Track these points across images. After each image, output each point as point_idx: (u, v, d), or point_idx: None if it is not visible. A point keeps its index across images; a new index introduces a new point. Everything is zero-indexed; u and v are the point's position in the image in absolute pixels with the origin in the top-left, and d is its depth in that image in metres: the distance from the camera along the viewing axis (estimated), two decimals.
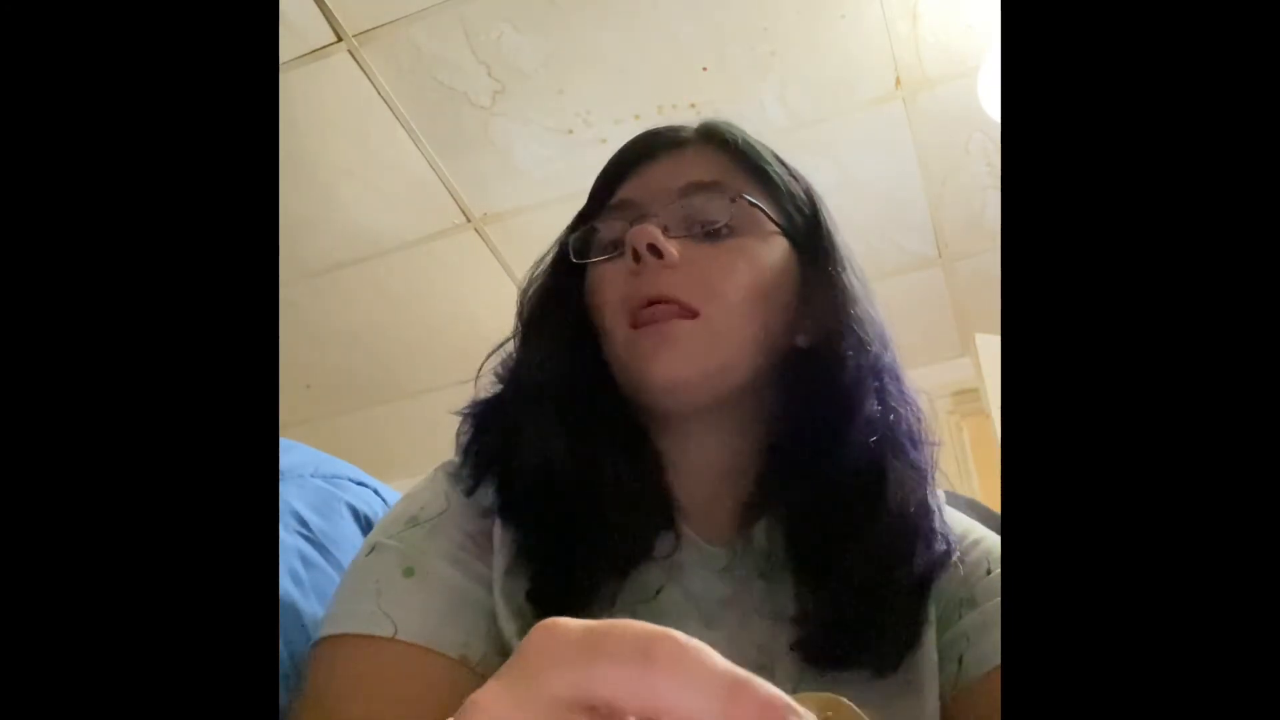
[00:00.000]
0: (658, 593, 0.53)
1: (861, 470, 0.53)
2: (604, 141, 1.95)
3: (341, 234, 2.15)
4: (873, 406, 0.55)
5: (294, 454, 0.72)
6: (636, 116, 1.89)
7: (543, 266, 0.63)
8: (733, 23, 1.75)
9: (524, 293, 0.63)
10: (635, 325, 0.54)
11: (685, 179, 0.58)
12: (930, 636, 0.53)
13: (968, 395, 2.54)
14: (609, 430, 0.56)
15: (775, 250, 0.58)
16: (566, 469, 0.54)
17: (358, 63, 1.80)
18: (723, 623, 0.52)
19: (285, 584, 0.60)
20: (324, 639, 0.51)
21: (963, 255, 2.32)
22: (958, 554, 0.55)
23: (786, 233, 0.58)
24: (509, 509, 0.55)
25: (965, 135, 2.01)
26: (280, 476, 0.67)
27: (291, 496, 0.65)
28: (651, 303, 0.54)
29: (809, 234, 0.60)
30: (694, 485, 0.58)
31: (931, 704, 0.51)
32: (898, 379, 0.58)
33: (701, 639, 0.52)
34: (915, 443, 0.56)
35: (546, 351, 0.58)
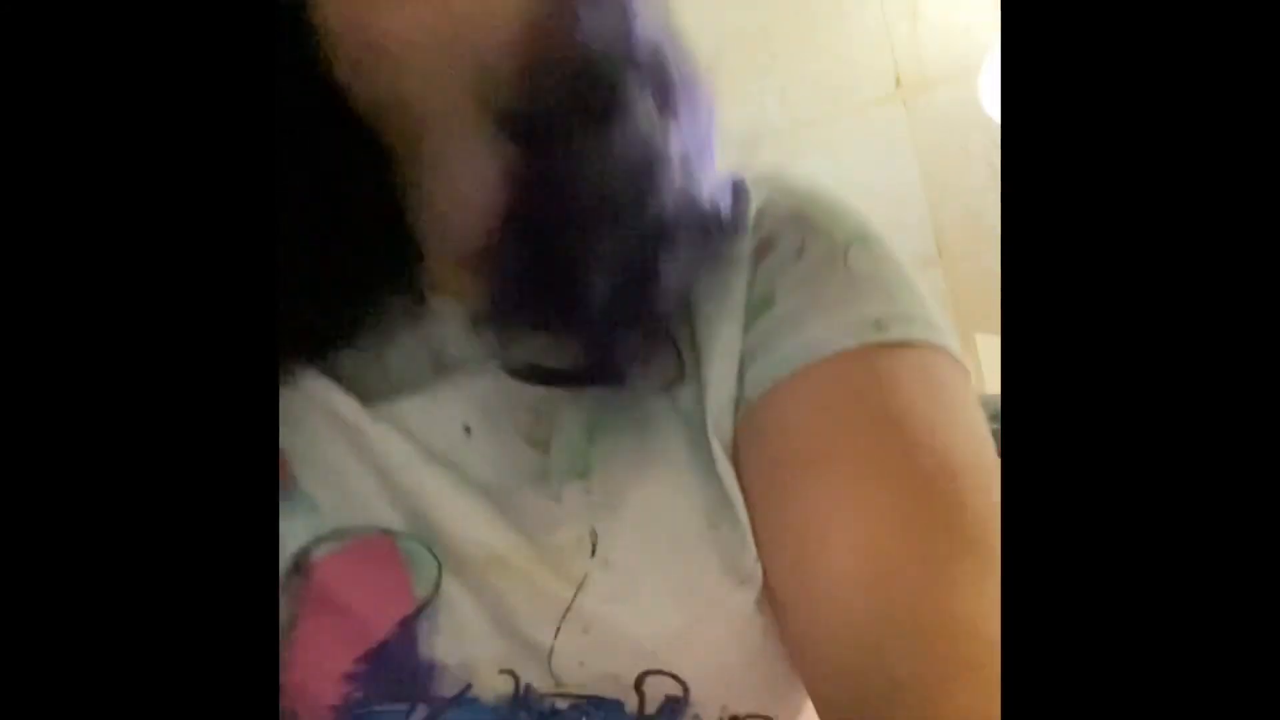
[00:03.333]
0: (399, 381, 0.43)
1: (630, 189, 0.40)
2: None
3: None
4: (649, 127, 0.40)
5: None
6: None
7: None
8: (733, 23, 1.75)
9: None
10: None
11: None
12: (716, 362, 0.40)
13: None
14: (335, 151, 0.42)
15: None
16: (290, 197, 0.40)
17: None
18: (476, 381, 0.42)
19: None
20: None
21: (963, 255, 2.32)
22: (747, 243, 0.42)
23: None
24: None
25: (965, 136, 2.01)
26: None
27: None
28: None
29: None
30: (443, 230, 0.45)
31: (701, 456, 0.39)
32: (691, 96, 0.43)
33: (431, 391, 0.41)
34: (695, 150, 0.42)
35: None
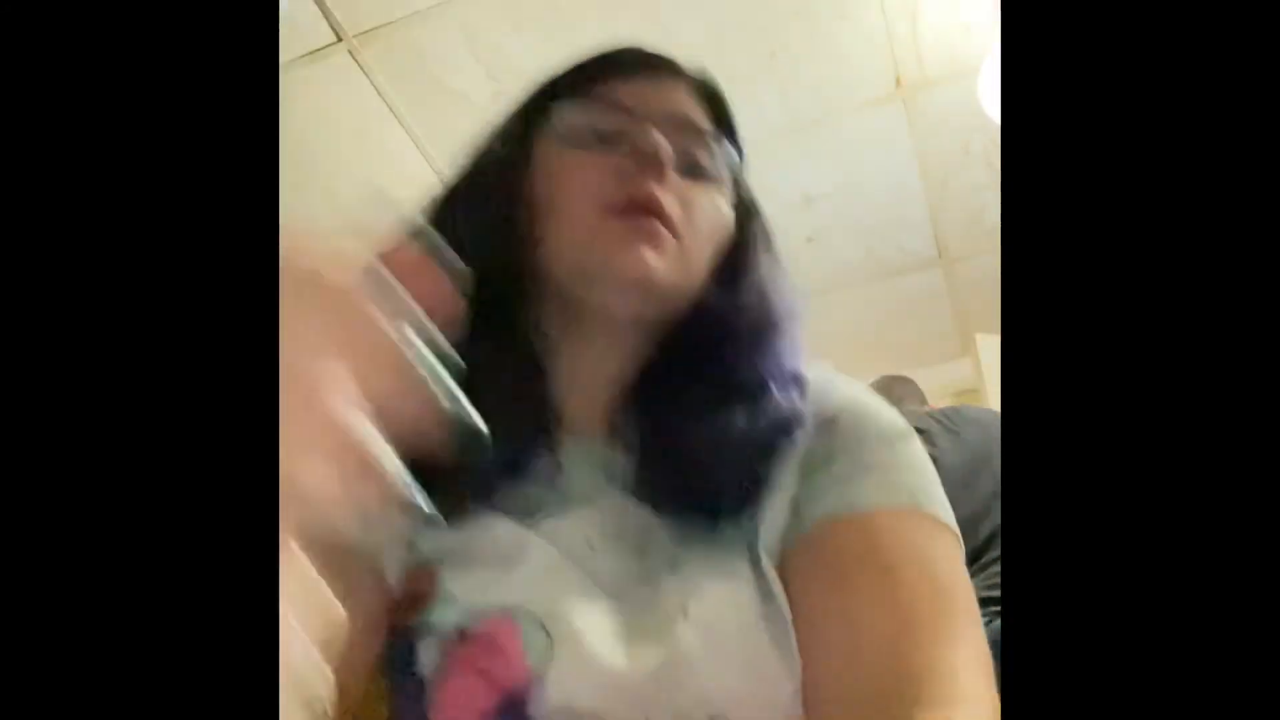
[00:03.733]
0: (538, 507, 0.55)
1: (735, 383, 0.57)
2: None
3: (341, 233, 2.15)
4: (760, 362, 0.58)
5: None
6: None
7: (494, 134, 0.62)
8: (732, 23, 1.75)
9: (472, 160, 0.61)
10: (610, 216, 0.55)
11: (685, 113, 0.60)
12: (775, 501, 0.53)
13: (968, 395, 2.55)
14: (511, 325, 0.56)
15: (729, 212, 0.61)
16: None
17: (358, 63, 1.80)
18: (597, 506, 0.56)
19: None
20: None
21: (963, 255, 2.32)
22: (810, 419, 0.56)
23: (735, 205, 0.62)
24: None
25: (965, 136, 2.01)
26: None
27: None
28: (642, 208, 0.55)
29: (746, 215, 0.64)
30: (579, 390, 0.59)
31: (756, 568, 0.52)
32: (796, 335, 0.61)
33: (565, 515, 0.54)
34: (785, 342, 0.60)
35: (476, 226, 0.56)
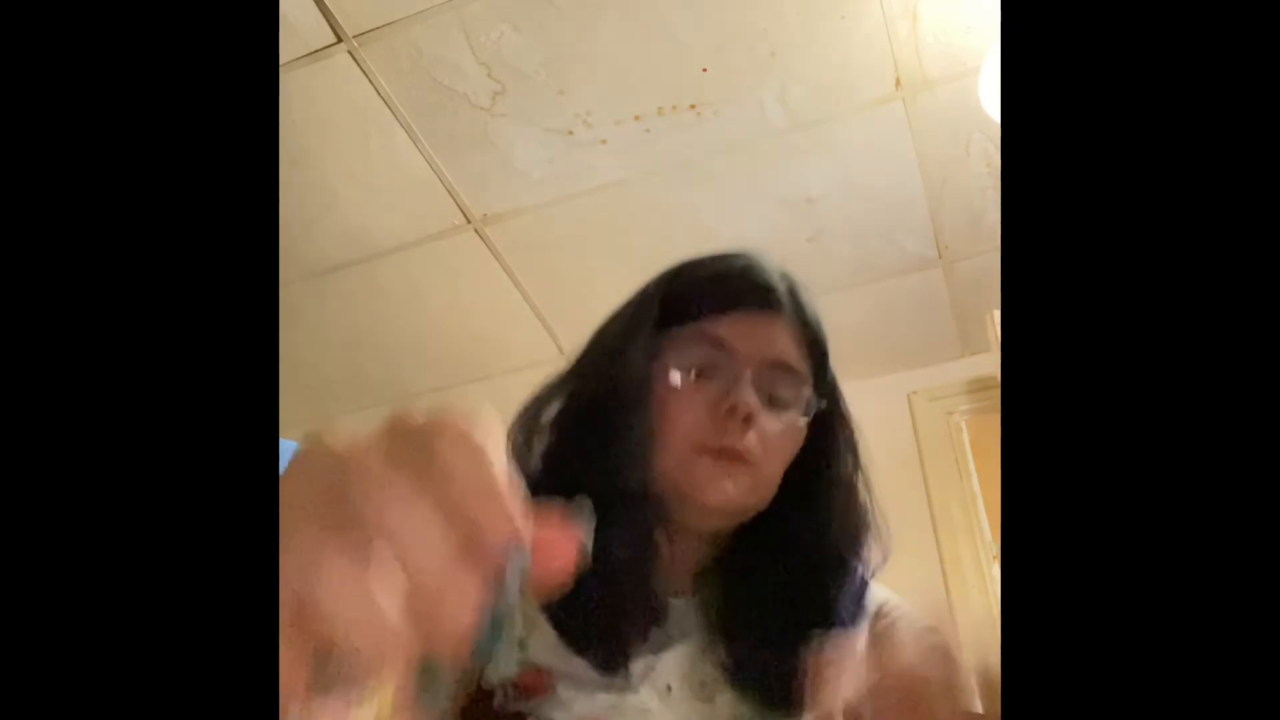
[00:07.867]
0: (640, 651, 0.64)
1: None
2: (604, 142, 1.95)
3: (341, 234, 2.15)
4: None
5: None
6: (636, 117, 1.89)
7: (624, 332, 0.68)
8: (733, 23, 1.75)
9: (610, 350, 0.68)
10: (702, 454, 0.64)
11: (776, 354, 0.67)
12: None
13: (967, 396, 2.54)
14: (634, 524, 0.63)
15: (803, 426, 0.69)
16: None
17: (358, 63, 1.80)
18: (679, 651, 0.65)
19: None
20: None
21: (963, 255, 2.32)
22: (869, 613, 0.67)
23: (813, 416, 0.70)
24: None
25: (965, 136, 2.01)
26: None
27: None
28: (729, 455, 0.64)
29: (827, 414, 0.71)
30: (672, 567, 0.68)
31: None
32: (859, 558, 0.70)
33: (662, 677, 0.64)
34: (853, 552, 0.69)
35: (610, 452, 0.63)
